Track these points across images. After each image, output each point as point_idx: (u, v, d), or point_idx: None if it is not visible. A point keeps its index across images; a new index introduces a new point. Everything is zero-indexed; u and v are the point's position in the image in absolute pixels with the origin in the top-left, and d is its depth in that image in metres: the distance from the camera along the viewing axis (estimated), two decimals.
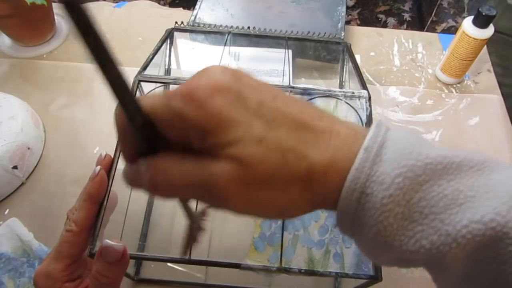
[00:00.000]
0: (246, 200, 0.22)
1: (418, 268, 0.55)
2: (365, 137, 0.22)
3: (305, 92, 0.42)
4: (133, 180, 0.24)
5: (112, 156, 0.38)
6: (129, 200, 0.46)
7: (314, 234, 0.40)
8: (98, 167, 0.36)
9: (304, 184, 0.22)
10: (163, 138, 0.23)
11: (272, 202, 0.22)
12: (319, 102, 0.45)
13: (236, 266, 0.37)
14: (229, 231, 0.54)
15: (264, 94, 0.22)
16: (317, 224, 0.40)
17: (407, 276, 0.54)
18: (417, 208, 0.21)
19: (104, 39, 0.18)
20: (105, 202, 0.36)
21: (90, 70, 0.73)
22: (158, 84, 0.44)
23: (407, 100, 0.71)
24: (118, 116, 0.23)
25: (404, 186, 0.21)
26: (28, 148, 0.59)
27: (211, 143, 0.21)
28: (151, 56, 0.47)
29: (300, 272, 0.36)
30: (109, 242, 0.32)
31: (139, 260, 0.52)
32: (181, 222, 0.55)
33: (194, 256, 0.36)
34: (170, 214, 0.56)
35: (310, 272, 0.37)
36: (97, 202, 0.35)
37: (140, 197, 0.56)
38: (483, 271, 0.20)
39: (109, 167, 0.37)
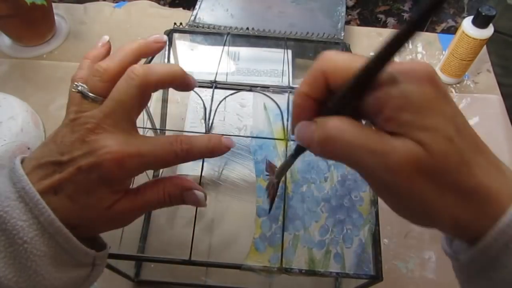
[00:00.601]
0: (408, 181, 0.22)
1: (418, 269, 0.56)
2: None
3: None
4: (307, 134, 0.24)
5: None
6: None
7: (314, 235, 0.40)
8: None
9: (460, 199, 0.23)
10: (354, 107, 0.24)
11: (424, 197, 0.23)
12: None
13: (237, 267, 0.37)
14: (230, 232, 0.54)
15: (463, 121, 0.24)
16: (318, 224, 0.40)
17: (407, 276, 0.54)
18: None
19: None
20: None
21: None
22: None
23: None
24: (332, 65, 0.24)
25: None
26: (28, 148, 0.59)
27: (407, 120, 0.22)
28: (149, 58, 0.47)
29: (301, 272, 0.36)
30: (198, 187, 0.32)
31: (139, 262, 0.52)
32: (181, 224, 0.55)
33: (194, 257, 0.36)
34: (170, 216, 0.56)
35: (310, 273, 0.37)
36: (138, 57, 0.33)
37: None
38: None
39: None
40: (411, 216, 0.25)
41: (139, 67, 0.29)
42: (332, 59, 0.24)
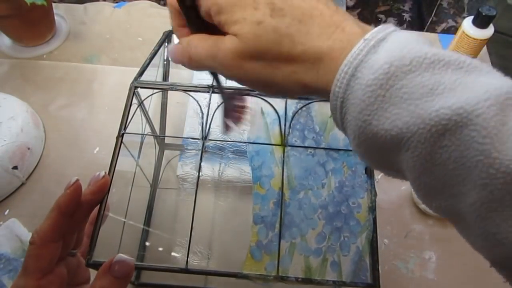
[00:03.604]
0: (242, 69, 0.27)
1: (418, 269, 0.56)
2: None
3: (302, 96, 0.42)
4: (174, 53, 0.31)
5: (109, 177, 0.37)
6: (127, 208, 0.46)
7: (311, 242, 0.40)
8: (102, 172, 0.35)
9: (295, 66, 0.26)
10: (201, 22, 0.29)
11: (262, 75, 0.27)
12: (317, 107, 0.45)
13: (233, 275, 0.37)
14: (227, 239, 0.54)
15: None
16: (315, 232, 0.40)
17: (407, 277, 0.54)
18: (398, 94, 0.22)
19: None
20: (102, 211, 0.35)
21: (90, 70, 0.73)
22: (155, 90, 0.44)
23: None
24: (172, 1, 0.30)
25: (390, 72, 0.22)
26: (28, 149, 0.59)
27: (223, 20, 0.27)
28: (148, 61, 0.47)
29: (297, 280, 0.37)
30: (122, 256, 0.31)
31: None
32: (180, 231, 0.55)
33: (192, 266, 0.36)
34: (170, 222, 0.56)
35: (307, 281, 0.37)
36: (65, 214, 0.32)
37: (139, 203, 0.56)
38: (449, 157, 0.21)
39: (103, 189, 0.35)
40: (273, 94, 0.30)
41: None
42: None
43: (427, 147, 0.22)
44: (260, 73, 0.27)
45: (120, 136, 0.40)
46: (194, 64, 0.30)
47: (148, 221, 0.56)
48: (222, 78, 0.35)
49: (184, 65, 0.31)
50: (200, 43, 0.29)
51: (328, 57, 0.25)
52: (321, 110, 0.45)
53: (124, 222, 0.46)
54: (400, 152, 0.23)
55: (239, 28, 0.26)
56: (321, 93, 0.27)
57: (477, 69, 0.22)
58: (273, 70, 0.26)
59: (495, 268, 0.24)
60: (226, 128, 0.39)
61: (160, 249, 0.52)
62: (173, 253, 0.49)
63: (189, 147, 0.48)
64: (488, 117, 0.20)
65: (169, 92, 0.45)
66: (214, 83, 0.38)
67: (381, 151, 0.25)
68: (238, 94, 0.40)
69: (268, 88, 0.28)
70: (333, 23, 0.26)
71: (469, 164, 0.21)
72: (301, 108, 0.44)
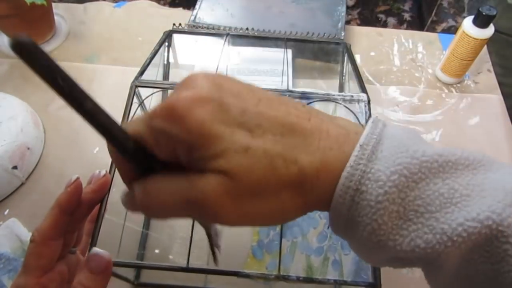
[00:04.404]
0: (238, 212, 0.21)
1: (419, 269, 0.55)
2: (357, 134, 0.22)
3: (304, 96, 0.42)
4: (129, 204, 0.25)
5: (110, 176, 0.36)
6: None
7: (312, 241, 0.40)
8: (103, 170, 0.35)
9: (295, 189, 0.22)
10: (156, 160, 0.22)
11: (264, 211, 0.22)
12: (318, 106, 0.45)
13: (235, 274, 0.37)
14: (228, 238, 0.54)
15: (247, 100, 0.22)
16: (316, 231, 0.40)
17: (407, 277, 0.54)
18: (412, 207, 0.20)
19: (70, 75, 0.17)
20: (102, 210, 0.35)
21: (90, 70, 0.73)
22: (156, 90, 0.44)
23: (407, 100, 0.71)
24: (110, 148, 0.24)
25: (400, 184, 0.20)
26: (28, 148, 0.59)
27: (197, 157, 0.21)
28: (148, 60, 0.47)
29: (298, 279, 0.36)
30: (97, 249, 0.31)
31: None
32: (180, 230, 0.55)
33: (192, 264, 0.36)
34: (170, 222, 0.56)
35: (308, 280, 0.37)
36: (65, 212, 0.32)
37: None
38: (477, 271, 0.20)
39: (104, 187, 0.35)
40: (271, 224, 0.24)
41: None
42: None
43: (456, 266, 0.20)
44: (261, 208, 0.22)
45: None
46: (157, 214, 0.24)
47: (148, 220, 0.56)
48: None
49: (146, 215, 0.25)
50: (163, 187, 0.22)
51: (323, 171, 0.22)
52: (322, 109, 0.45)
53: (124, 221, 0.46)
54: (424, 269, 0.23)
55: (225, 163, 0.20)
56: (326, 209, 0.23)
57: (483, 166, 0.21)
58: (275, 201, 0.22)
59: None
60: (215, 258, 0.34)
61: (160, 249, 0.52)
62: (173, 252, 0.49)
63: None
64: None
65: (170, 91, 0.45)
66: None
67: (399, 265, 0.23)
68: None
69: (271, 221, 0.24)
70: (313, 127, 0.22)
71: (502, 279, 0.19)
72: None
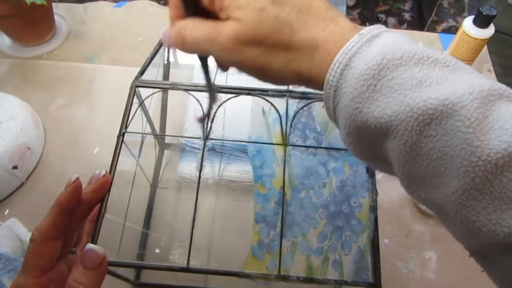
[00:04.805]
0: (241, 54, 0.27)
1: (419, 269, 0.56)
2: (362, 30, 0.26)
3: (304, 96, 0.42)
4: (168, 37, 0.31)
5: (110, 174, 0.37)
6: (127, 208, 0.46)
7: (312, 241, 0.40)
8: (103, 170, 0.35)
9: (291, 54, 0.27)
10: (198, 9, 0.29)
11: (259, 61, 0.27)
12: (318, 107, 0.45)
13: (235, 274, 0.37)
14: (228, 238, 0.54)
15: None
16: (316, 231, 0.40)
17: (407, 276, 0.54)
18: (389, 84, 0.24)
19: None
20: (102, 210, 0.35)
21: (90, 70, 0.73)
22: (156, 90, 0.44)
23: None
24: None
25: (382, 64, 0.24)
26: (28, 148, 0.59)
27: (226, 4, 0.27)
28: (148, 60, 0.46)
29: (298, 280, 0.37)
30: (91, 245, 0.31)
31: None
32: (180, 230, 0.55)
33: (192, 265, 0.36)
34: (170, 222, 0.56)
35: (308, 280, 0.37)
36: (65, 212, 0.32)
37: (139, 203, 0.56)
38: (431, 147, 0.23)
39: (104, 187, 0.35)
40: (268, 81, 0.30)
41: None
42: None
43: (413, 136, 0.23)
44: (258, 59, 0.27)
45: (121, 135, 0.40)
46: (188, 46, 0.30)
47: (148, 220, 0.56)
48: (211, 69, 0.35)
49: (178, 48, 0.31)
50: (196, 26, 0.29)
51: (323, 47, 0.26)
52: (322, 110, 0.45)
53: (124, 221, 0.46)
54: (388, 140, 0.24)
55: (242, 13, 0.26)
56: (314, 83, 0.28)
57: (462, 69, 0.24)
58: (270, 57, 0.27)
59: (474, 257, 0.25)
60: (204, 118, 0.40)
61: (160, 249, 0.52)
62: (173, 253, 0.49)
63: (189, 147, 0.48)
64: (472, 109, 0.21)
65: (170, 91, 0.45)
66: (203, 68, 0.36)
67: (370, 140, 0.26)
68: (240, 94, 0.40)
69: (264, 74, 0.29)
70: (328, 16, 0.27)
71: (453, 153, 0.22)
72: (302, 107, 0.44)
